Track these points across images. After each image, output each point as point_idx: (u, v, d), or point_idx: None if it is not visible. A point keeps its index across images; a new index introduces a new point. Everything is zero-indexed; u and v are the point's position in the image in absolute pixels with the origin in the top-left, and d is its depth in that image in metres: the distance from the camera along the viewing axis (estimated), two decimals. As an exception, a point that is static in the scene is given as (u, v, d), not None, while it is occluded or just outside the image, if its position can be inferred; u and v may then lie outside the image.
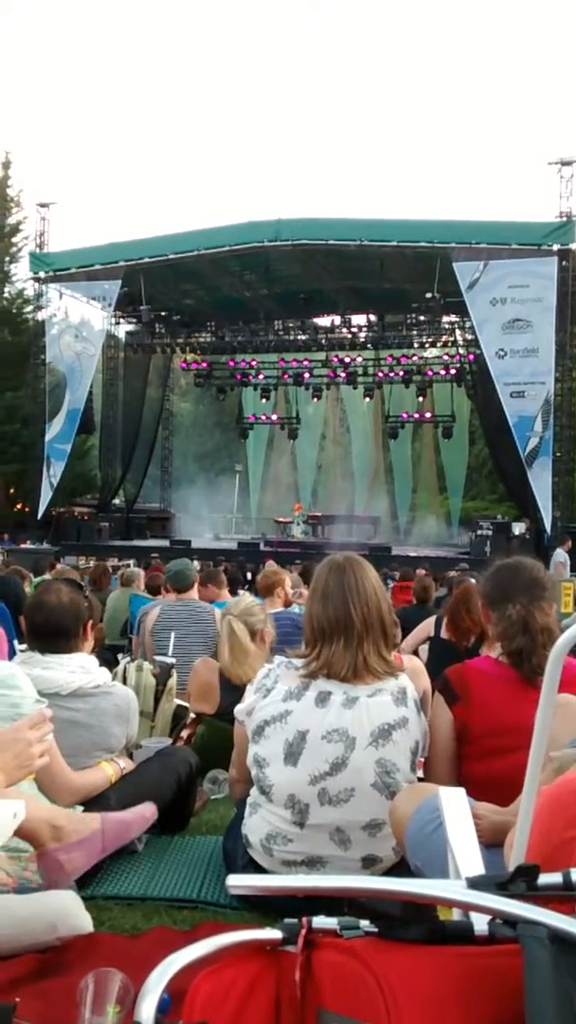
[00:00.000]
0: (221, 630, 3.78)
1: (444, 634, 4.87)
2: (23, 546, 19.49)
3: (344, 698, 2.27)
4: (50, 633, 2.66)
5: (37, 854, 1.83)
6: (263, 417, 28.01)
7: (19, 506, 25.45)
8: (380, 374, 24.38)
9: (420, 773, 2.44)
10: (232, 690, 3.57)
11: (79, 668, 2.64)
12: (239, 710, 2.48)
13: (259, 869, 2.31)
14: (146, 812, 2.14)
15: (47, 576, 8.02)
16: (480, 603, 2.53)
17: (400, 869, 2.20)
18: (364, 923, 0.93)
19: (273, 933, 0.96)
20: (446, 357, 24.53)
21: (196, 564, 7.57)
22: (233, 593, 7.60)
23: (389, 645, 2.44)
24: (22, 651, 2.71)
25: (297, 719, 2.27)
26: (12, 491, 26.36)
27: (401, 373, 23.80)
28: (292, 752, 2.25)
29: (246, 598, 4.04)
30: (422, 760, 2.45)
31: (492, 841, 1.79)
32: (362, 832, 2.24)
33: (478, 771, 2.28)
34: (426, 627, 5.10)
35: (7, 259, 29.28)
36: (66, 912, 1.96)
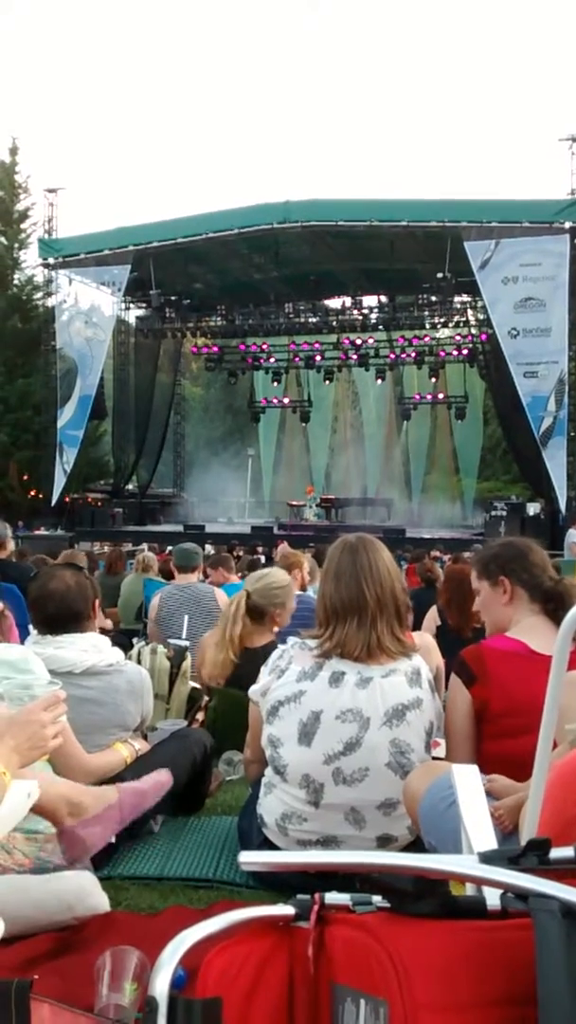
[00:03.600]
0: (230, 603, 3.69)
1: (449, 621, 4.84)
2: (37, 532, 19.55)
3: (358, 678, 2.27)
4: (63, 619, 2.68)
5: (57, 831, 1.84)
6: (275, 401, 27.94)
7: (33, 493, 25.51)
8: (392, 356, 24.26)
9: (435, 752, 2.44)
10: (246, 659, 3.53)
11: (91, 647, 2.66)
12: (254, 691, 2.49)
13: (274, 849, 2.32)
14: (161, 778, 2.14)
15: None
16: (506, 583, 2.50)
17: (415, 848, 2.21)
18: (376, 899, 0.93)
19: (286, 909, 0.97)
20: (458, 338, 24.36)
21: (209, 548, 7.55)
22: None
23: (403, 625, 2.43)
24: (35, 632, 2.73)
25: (311, 699, 2.28)
26: (26, 478, 26.43)
27: (413, 354, 23.67)
28: (306, 732, 2.26)
29: (272, 572, 3.85)
30: (437, 740, 2.45)
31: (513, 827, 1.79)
32: (377, 812, 2.24)
33: (497, 750, 2.27)
34: (432, 617, 5.05)
35: (16, 245, 29.25)
36: (83, 892, 1.98)
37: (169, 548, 13.47)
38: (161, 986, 0.87)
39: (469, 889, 0.99)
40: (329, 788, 2.24)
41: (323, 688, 2.28)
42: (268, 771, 2.40)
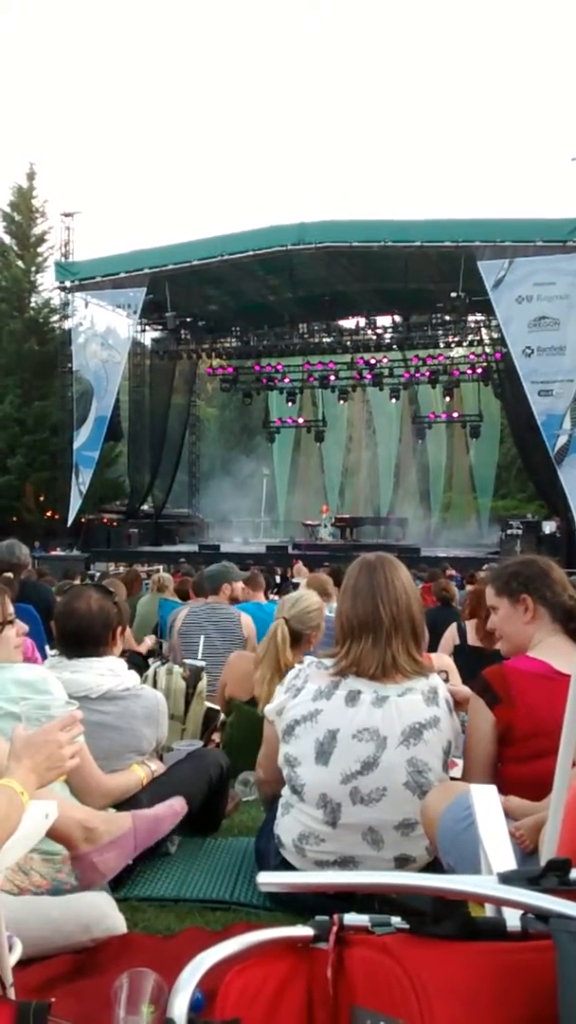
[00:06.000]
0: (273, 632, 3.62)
1: (472, 639, 4.77)
2: (53, 553, 19.62)
3: (374, 697, 2.26)
4: (80, 640, 2.68)
5: (71, 856, 1.84)
6: (289, 420, 28.04)
7: (49, 513, 25.64)
8: (406, 375, 24.30)
9: (453, 772, 2.41)
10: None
11: (108, 671, 2.65)
12: (269, 710, 2.48)
13: (292, 869, 2.30)
14: (176, 805, 2.13)
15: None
16: (528, 601, 2.47)
17: (433, 869, 2.19)
18: (396, 920, 0.92)
19: (304, 931, 0.96)
20: (473, 356, 24.42)
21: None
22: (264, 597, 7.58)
23: (419, 645, 2.41)
24: (52, 655, 2.74)
25: (327, 718, 2.27)
26: (42, 499, 26.58)
27: (427, 373, 23.68)
28: (323, 751, 2.25)
29: (305, 596, 3.74)
30: (455, 760, 2.42)
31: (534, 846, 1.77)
32: (395, 832, 2.22)
33: (520, 773, 2.22)
34: (451, 635, 4.99)
35: (33, 269, 29.57)
36: (100, 913, 1.97)
37: (177, 569, 13.55)
38: (179, 1009, 0.87)
39: (488, 910, 0.99)
40: (346, 808, 2.22)
41: (339, 707, 2.27)
42: (285, 791, 2.39)
